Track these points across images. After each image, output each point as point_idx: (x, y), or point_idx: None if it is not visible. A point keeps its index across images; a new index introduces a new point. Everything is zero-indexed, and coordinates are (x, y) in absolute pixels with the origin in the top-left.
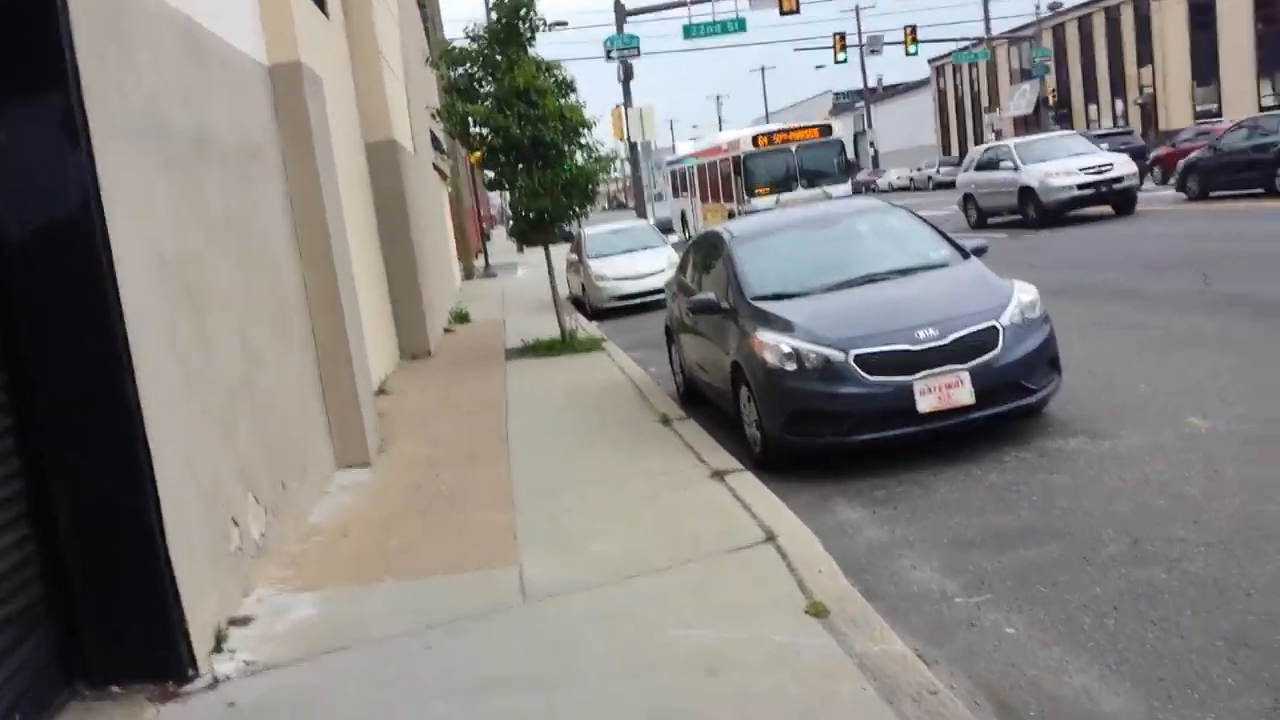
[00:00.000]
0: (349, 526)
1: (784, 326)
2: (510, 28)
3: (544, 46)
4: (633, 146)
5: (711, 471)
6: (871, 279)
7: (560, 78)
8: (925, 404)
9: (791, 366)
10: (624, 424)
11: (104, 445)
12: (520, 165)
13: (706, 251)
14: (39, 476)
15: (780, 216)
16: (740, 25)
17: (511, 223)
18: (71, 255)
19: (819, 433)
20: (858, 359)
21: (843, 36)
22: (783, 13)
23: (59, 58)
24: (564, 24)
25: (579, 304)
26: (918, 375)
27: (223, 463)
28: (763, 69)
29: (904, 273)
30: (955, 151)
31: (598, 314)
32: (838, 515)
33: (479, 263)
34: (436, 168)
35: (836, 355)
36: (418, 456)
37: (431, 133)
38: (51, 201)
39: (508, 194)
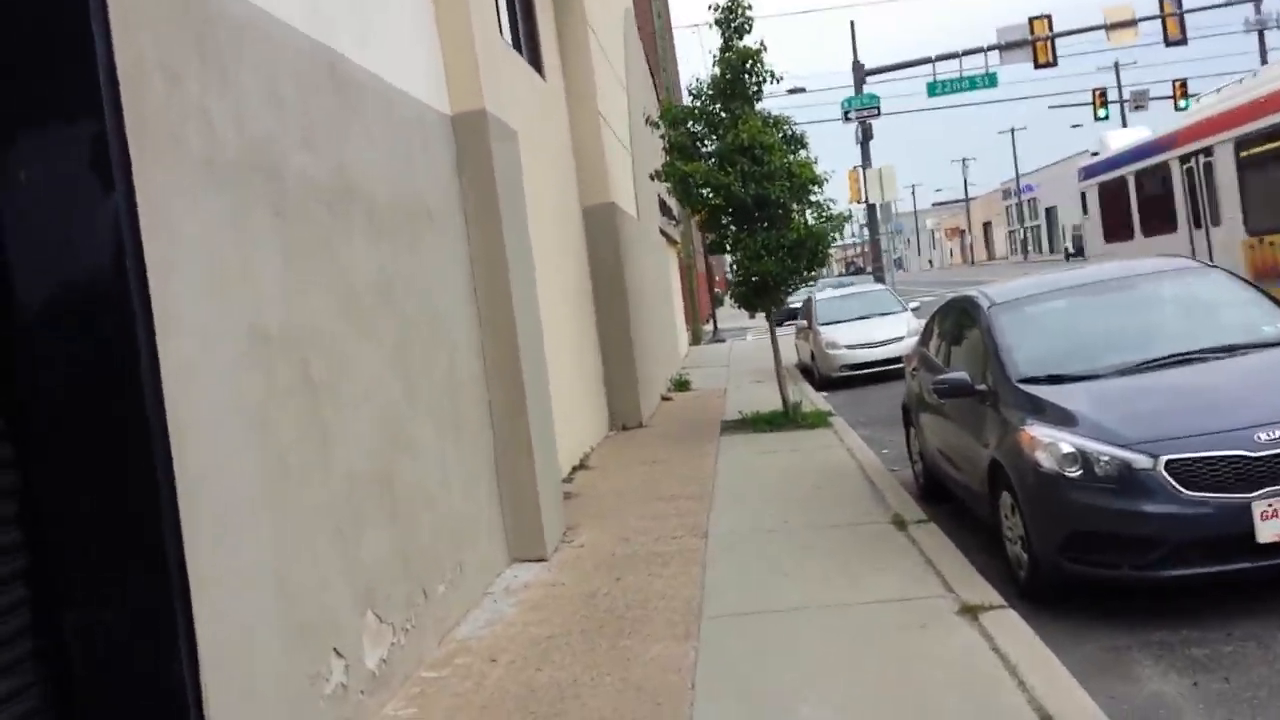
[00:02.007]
0: (499, 648)
1: (1063, 419)
2: (735, 81)
3: (776, 109)
4: (870, 208)
5: (961, 606)
6: (1184, 359)
7: (789, 132)
8: (1268, 531)
9: (1075, 472)
10: (848, 524)
11: (122, 576)
12: (744, 226)
13: (956, 320)
14: (51, 609)
15: (1053, 278)
16: (991, 81)
17: (733, 287)
18: (97, 327)
19: (1112, 562)
20: (1171, 467)
21: (1103, 92)
22: (1037, 66)
23: (89, 72)
24: (802, 89)
25: (807, 373)
26: (1258, 492)
27: (332, 578)
28: (1012, 130)
29: (1229, 351)
30: None
31: (826, 384)
32: (1142, 685)
33: (707, 328)
34: (664, 232)
35: (1140, 460)
36: (601, 553)
37: (660, 198)
38: (76, 258)
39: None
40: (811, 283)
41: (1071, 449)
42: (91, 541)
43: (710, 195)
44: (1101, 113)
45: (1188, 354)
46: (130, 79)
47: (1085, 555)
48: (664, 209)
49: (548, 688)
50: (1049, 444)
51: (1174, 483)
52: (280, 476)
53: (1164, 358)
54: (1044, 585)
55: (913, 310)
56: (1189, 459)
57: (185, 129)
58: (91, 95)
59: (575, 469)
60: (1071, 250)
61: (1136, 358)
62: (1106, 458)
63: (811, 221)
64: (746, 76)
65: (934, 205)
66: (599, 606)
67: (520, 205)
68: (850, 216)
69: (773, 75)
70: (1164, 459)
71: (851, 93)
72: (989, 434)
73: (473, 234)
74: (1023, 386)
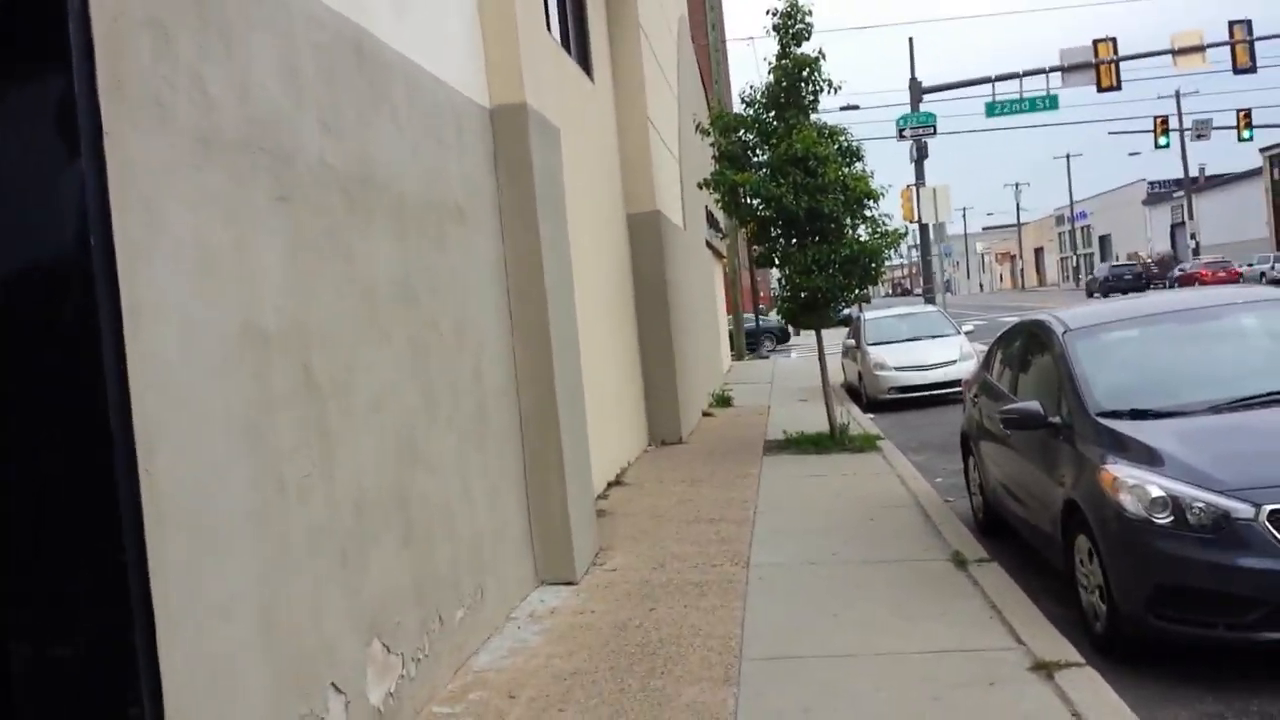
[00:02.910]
0: (520, 683)
1: (1149, 458)
2: (791, 89)
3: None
4: (923, 228)
5: (1033, 661)
6: None
7: (845, 144)
8: None
9: (1164, 519)
10: (902, 560)
11: (75, 604)
12: (794, 239)
13: (1024, 345)
14: None
15: (1134, 304)
16: (1052, 103)
17: (780, 302)
18: (54, 314)
19: (1205, 621)
20: (1275, 517)
21: (1165, 120)
22: (1100, 89)
23: (57, 20)
24: (855, 106)
25: (854, 393)
26: None
27: (332, 606)
28: (1068, 156)
29: None
30: None
31: (874, 406)
32: None
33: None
34: (710, 245)
35: (1240, 509)
36: (634, 579)
37: (707, 210)
38: (31, 233)
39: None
40: (864, 302)
41: (1161, 493)
42: (42, 563)
43: (760, 207)
44: (1162, 140)
45: None
46: (108, 32)
47: (1174, 612)
48: (711, 221)
49: None
50: (1134, 486)
51: (1277, 535)
52: (274, 492)
53: (1262, 395)
54: (1124, 641)
55: (966, 334)
56: None
57: (175, 96)
58: (59, 47)
59: (611, 485)
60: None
61: (1230, 394)
62: (1201, 505)
63: (865, 237)
64: (803, 85)
65: (984, 229)
66: (630, 639)
67: (560, 206)
68: (906, 233)
69: (830, 84)
70: (1267, 509)
71: (907, 110)
72: (1064, 471)
73: (507, 234)
74: (1103, 421)
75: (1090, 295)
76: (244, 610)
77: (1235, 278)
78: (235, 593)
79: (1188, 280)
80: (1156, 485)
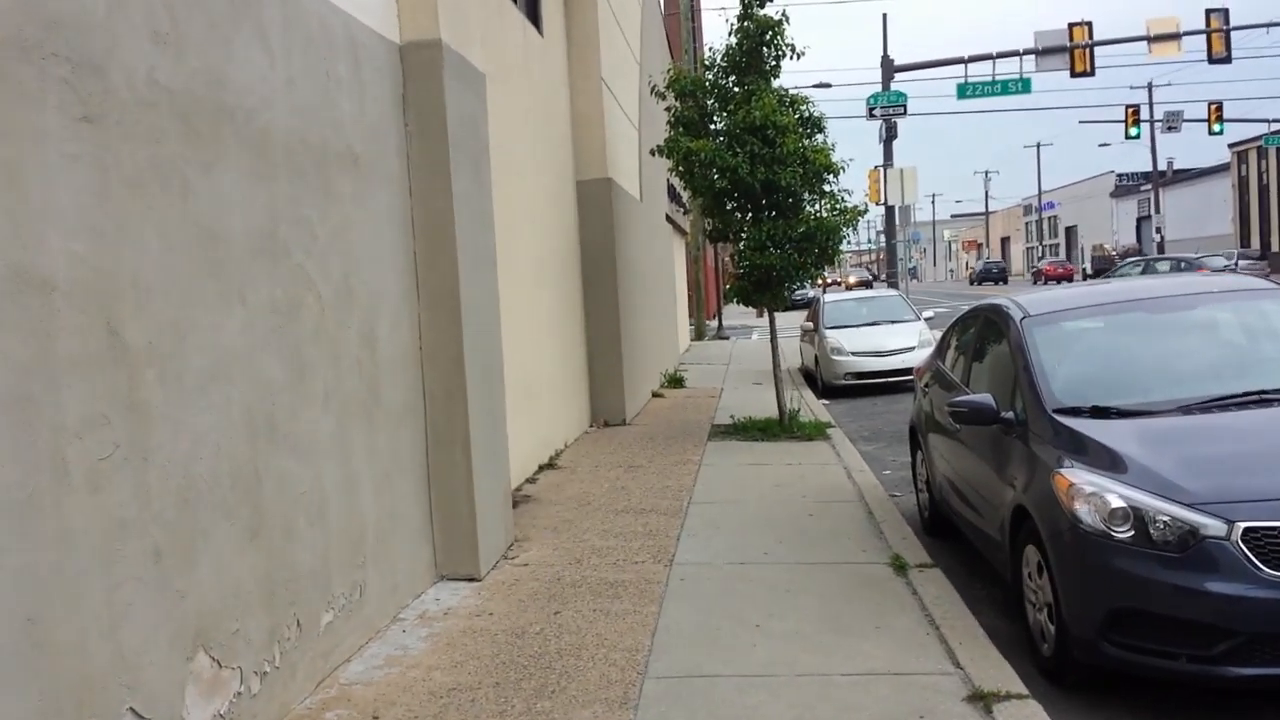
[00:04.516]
0: (388, 699)
1: (1110, 463)
2: (752, 53)
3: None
4: (889, 211)
5: (970, 691)
6: (1263, 398)
7: (806, 114)
8: None
9: (1124, 533)
10: (838, 562)
11: None
12: (749, 213)
13: (980, 333)
14: None
15: (1099, 291)
16: (1024, 86)
17: (733, 280)
18: None
19: (1165, 651)
20: (1249, 537)
21: (1136, 109)
22: (1074, 75)
23: None
24: (827, 85)
25: (811, 379)
26: None
27: (135, 615)
28: (1038, 144)
29: None
30: (1256, 243)
31: (829, 392)
32: None
33: (712, 323)
34: (671, 220)
35: (1210, 526)
36: (545, 576)
37: (670, 183)
38: None
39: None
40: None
41: (1121, 503)
42: None
43: (716, 177)
44: (1133, 131)
45: (1270, 393)
46: None
47: (1131, 639)
48: (673, 195)
49: None
50: (1092, 494)
51: (1253, 557)
52: (50, 480)
53: (1238, 395)
54: (1074, 667)
55: (926, 319)
56: (1273, 528)
57: None
58: None
59: (543, 467)
60: (1090, 271)
61: (1203, 393)
62: (1166, 519)
63: (824, 213)
64: (765, 49)
65: (954, 216)
66: (525, 649)
67: (481, 161)
68: (866, 210)
69: (793, 49)
70: (1241, 526)
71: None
72: (1015, 473)
73: (416, 189)
74: (1061, 418)
75: (972, 284)
76: None
77: (1069, 275)
78: None
79: (1037, 275)
80: (1116, 494)
